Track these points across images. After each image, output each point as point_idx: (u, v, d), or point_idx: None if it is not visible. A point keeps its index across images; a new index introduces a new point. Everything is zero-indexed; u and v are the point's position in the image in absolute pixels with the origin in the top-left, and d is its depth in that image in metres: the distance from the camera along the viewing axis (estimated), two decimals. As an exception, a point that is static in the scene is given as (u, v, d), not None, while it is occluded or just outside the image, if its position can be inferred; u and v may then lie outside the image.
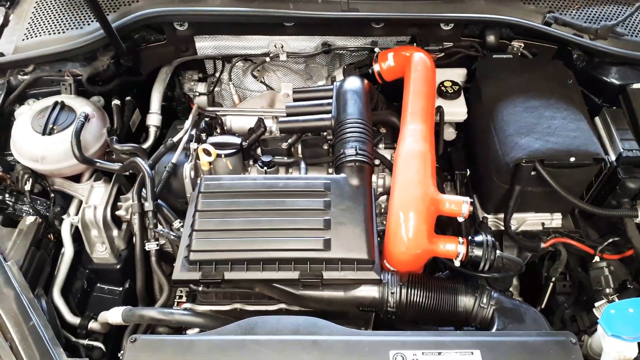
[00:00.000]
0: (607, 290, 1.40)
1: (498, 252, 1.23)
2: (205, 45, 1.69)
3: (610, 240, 1.42)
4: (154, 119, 1.62)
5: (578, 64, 1.58)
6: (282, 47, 1.68)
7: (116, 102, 1.55)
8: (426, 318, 1.20)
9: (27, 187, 1.37)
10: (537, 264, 1.56)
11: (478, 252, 1.20)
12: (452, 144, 1.68)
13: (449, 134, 1.65)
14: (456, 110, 1.58)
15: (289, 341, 1.05)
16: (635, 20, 1.64)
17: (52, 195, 1.42)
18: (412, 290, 1.17)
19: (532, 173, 1.36)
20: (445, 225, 1.49)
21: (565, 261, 1.47)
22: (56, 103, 1.41)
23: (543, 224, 1.52)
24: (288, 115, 1.46)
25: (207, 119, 1.55)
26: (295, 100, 1.51)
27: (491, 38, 1.60)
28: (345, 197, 1.24)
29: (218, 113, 1.65)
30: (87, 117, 1.39)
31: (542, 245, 1.45)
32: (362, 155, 1.30)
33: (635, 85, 1.46)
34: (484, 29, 1.62)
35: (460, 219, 1.26)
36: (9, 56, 1.52)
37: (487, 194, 1.51)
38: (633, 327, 1.13)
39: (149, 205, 1.31)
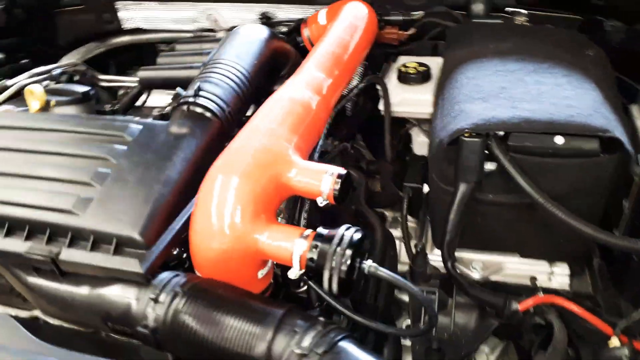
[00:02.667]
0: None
1: (369, 263, 0.66)
2: (130, 16, 1.41)
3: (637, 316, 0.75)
4: None
5: (613, 39, 1.02)
6: (216, 20, 1.35)
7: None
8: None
9: None
10: (519, 341, 0.90)
11: (316, 255, 0.65)
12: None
13: (420, 144, 1.14)
14: (420, 98, 1.08)
15: None
16: None
17: None
18: (191, 306, 0.64)
19: (490, 167, 0.80)
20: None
21: (563, 341, 0.81)
22: None
23: (534, 278, 0.89)
24: (157, 64, 1.08)
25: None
26: (176, 50, 1.13)
27: (479, 6, 1.12)
28: (151, 148, 0.79)
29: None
30: None
31: (516, 306, 0.82)
32: (205, 99, 0.85)
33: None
34: (470, -6, 1.15)
35: (321, 203, 0.72)
36: None
37: (431, 209, 0.94)
38: None
39: None
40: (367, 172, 1.18)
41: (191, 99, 0.84)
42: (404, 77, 1.12)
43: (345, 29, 0.98)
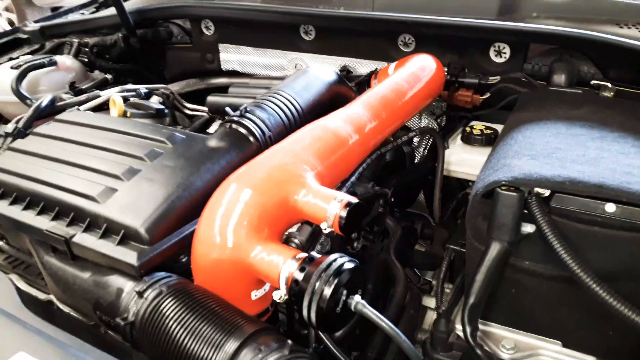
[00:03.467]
0: None
1: (357, 298, 0.59)
2: (229, 58, 1.53)
3: None
4: None
5: None
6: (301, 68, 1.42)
7: (109, 76, 1.46)
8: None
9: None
10: None
11: (302, 277, 0.60)
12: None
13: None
14: (480, 160, 1.00)
15: None
16: None
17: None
18: (168, 306, 0.62)
19: (529, 230, 0.70)
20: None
21: None
22: (46, 54, 1.40)
23: (569, 367, 0.75)
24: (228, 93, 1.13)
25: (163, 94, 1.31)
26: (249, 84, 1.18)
27: (560, 77, 1.05)
28: (185, 156, 0.82)
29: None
30: (51, 62, 1.31)
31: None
32: (249, 120, 0.87)
33: None
34: (552, 64, 1.08)
35: (325, 229, 0.68)
36: (38, 25, 1.60)
37: (465, 271, 0.84)
38: None
39: None
40: (421, 235, 1.12)
41: (236, 118, 0.87)
42: (468, 138, 1.07)
43: (404, 77, 0.97)
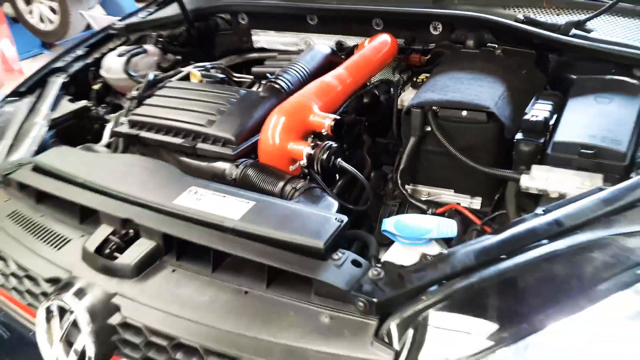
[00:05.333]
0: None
1: (340, 160, 1.27)
2: (258, 39, 2.18)
3: (498, 213, 1.26)
4: None
5: (549, 67, 1.51)
6: (309, 44, 2.05)
7: (179, 57, 2.12)
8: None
9: (96, 87, 2.00)
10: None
11: (312, 150, 1.27)
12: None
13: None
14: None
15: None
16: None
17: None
18: (250, 169, 1.31)
19: (428, 129, 1.37)
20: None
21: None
22: (133, 44, 2.06)
23: (458, 203, 1.42)
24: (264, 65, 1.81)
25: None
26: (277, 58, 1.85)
27: (470, 42, 1.67)
28: (247, 101, 1.49)
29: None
30: (144, 50, 1.98)
31: (435, 210, 1.36)
32: (281, 80, 1.53)
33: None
34: (466, 34, 1.70)
35: (324, 132, 1.34)
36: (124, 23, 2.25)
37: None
38: (411, 234, 1.06)
39: None
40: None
41: (272, 79, 1.54)
42: (415, 84, 1.71)
43: (370, 49, 1.62)
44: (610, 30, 1.45)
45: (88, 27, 5.74)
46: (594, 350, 0.84)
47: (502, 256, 0.94)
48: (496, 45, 1.62)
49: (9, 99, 1.92)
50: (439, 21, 1.72)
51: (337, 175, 1.40)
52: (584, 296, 0.87)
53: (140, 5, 2.75)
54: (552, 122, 1.26)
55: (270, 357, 0.93)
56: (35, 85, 1.94)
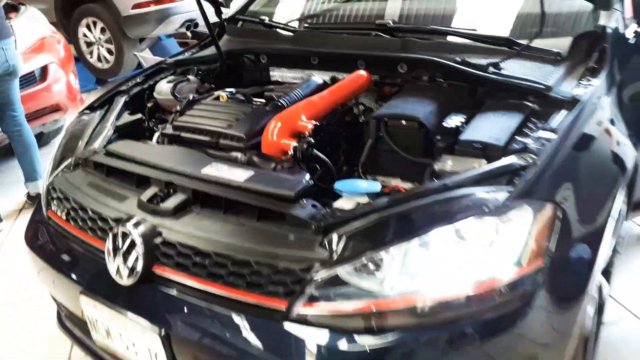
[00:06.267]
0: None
1: (316, 151, 1.83)
2: (274, 74, 2.81)
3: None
4: None
5: (477, 95, 2.07)
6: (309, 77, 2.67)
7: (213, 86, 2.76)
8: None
9: (149, 105, 2.64)
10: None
11: (296, 144, 1.84)
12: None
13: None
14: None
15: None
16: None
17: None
18: (253, 156, 1.89)
19: (381, 134, 1.94)
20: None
21: None
22: (184, 76, 2.72)
23: (405, 189, 1.96)
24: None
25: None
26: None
27: (425, 78, 2.24)
28: (257, 113, 2.08)
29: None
30: (187, 79, 2.62)
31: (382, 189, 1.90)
32: (281, 99, 2.14)
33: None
34: (422, 72, 2.27)
35: (307, 133, 1.92)
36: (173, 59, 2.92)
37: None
38: (350, 189, 1.62)
39: None
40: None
41: (277, 99, 2.14)
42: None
43: (348, 80, 2.22)
44: (515, 69, 2.01)
45: (138, 66, 6.61)
46: (453, 247, 1.38)
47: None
48: (442, 80, 2.19)
49: (85, 111, 2.58)
50: (404, 62, 2.30)
51: (317, 167, 1.96)
52: (448, 220, 1.41)
53: (183, 48, 3.47)
54: (462, 128, 1.80)
55: (254, 256, 1.48)
56: (104, 102, 2.60)
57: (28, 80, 4.29)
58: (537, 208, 1.49)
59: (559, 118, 1.75)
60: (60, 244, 1.96)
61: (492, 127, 1.75)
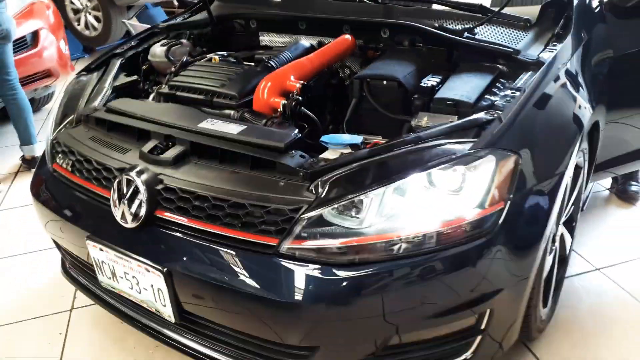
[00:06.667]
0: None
1: (302, 108, 2.00)
2: (263, 39, 2.94)
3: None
4: None
5: (453, 58, 2.24)
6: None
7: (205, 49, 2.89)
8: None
9: (144, 67, 2.76)
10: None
11: (285, 102, 2.00)
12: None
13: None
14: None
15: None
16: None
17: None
18: (245, 113, 2.05)
19: (364, 93, 2.10)
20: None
21: None
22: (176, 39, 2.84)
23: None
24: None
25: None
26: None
27: (405, 42, 2.40)
28: (248, 73, 2.24)
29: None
30: (180, 42, 2.74)
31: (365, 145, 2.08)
32: (271, 60, 2.29)
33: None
34: (403, 37, 2.43)
35: (296, 94, 2.07)
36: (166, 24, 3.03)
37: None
38: (334, 141, 1.80)
39: None
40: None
41: (267, 60, 2.28)
42: (368, 71, 2.45)
43: (334, 43, 2.37)
44: (488, 34, 2.17)
45: (126, 34, 6.63)
46: (424, 192, 1.59)
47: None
48: (421, 44, 2.35)
49: (83, 72, 2.70)
50: (386, 27, 2.45)
51: (305, 125, 2.12)
52: (420, 168, 1.60)
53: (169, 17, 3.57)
54: (437, 88, 1.97)
55: (247, 199, 1.66)
56: (101, 64, 2.71)
57: (20, 45, 4.35)
58: (499, 158, 1.67)
59: (525, 78, 1.93)
60: (67, 194, 2.11)
61: (464, 86, 1.92)
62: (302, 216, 1.60)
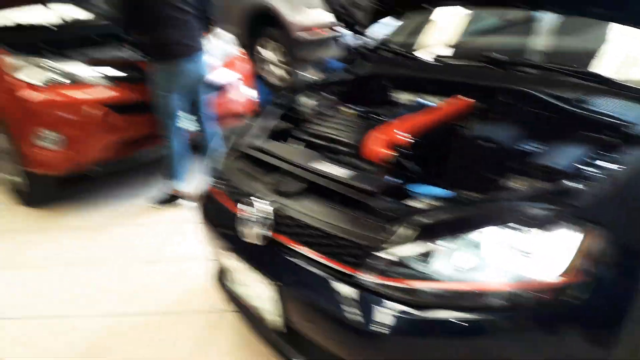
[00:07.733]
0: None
1: (405, 160, 2.27)
2: (393, 95, 3.27)
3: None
4: None
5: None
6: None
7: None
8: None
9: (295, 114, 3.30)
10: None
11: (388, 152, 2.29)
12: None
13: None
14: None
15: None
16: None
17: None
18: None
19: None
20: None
21: None
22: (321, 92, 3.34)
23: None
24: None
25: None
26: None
27: (517, 106, 2.52)
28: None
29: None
30: (323, 96, 3.23)
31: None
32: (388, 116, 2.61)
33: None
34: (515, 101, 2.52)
35: None
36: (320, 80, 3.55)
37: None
38: (426, 191, 2.05)
39: None
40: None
41: (385, 115, 2.62)
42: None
43: (446, 104, 2.60)
44: (602, 104, 2.23)
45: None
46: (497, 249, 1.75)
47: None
48: (532, 109, 2.44)
49: (250, 118, 3.34)
50: (501, 91, 2.57)
51: (404, 173, 2.39)
52: (498, 225, 1.78)
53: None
54: (536, 153, 2.11)
55: (339, 232, 1.99)
56: (264, 111, 3.33)
57: (220, 89, 5.38)
58: (583, 228, 1.69)
59: (628, 152, 1.95)
60: (217, 214, 2.67)
61: (564, 154, 2.02)
62: (378, 253, 1.87)
